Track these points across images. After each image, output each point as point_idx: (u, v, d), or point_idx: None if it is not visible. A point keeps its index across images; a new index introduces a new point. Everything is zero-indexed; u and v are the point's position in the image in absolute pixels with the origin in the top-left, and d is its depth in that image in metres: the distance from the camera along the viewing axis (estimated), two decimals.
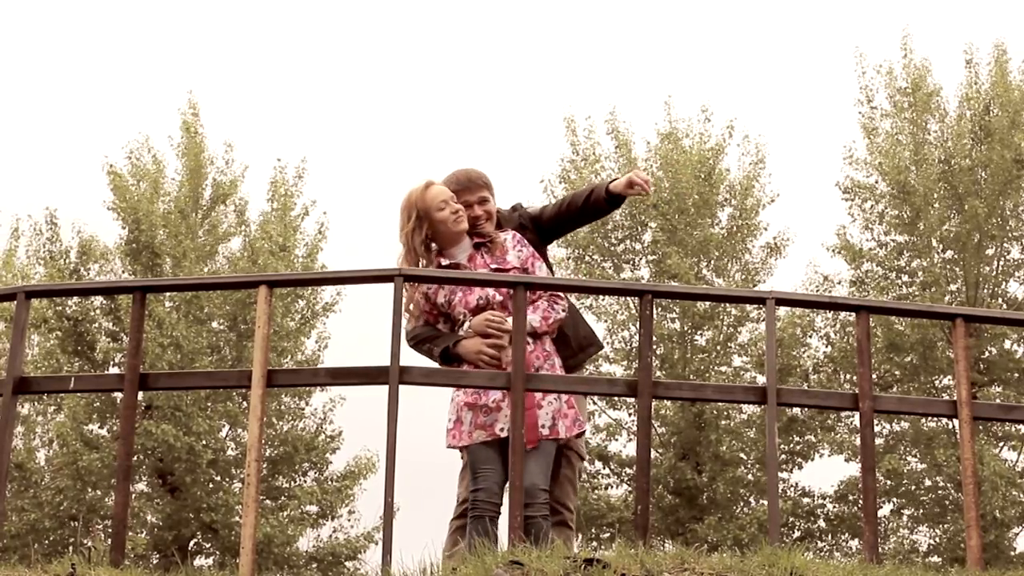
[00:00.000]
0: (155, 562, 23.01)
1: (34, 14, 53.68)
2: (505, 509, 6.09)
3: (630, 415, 24.84)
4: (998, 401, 22.68)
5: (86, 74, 55.34)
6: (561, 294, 6.30)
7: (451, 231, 6.26)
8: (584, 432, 6.34)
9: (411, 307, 6.27)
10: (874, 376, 20.87)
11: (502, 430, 6.01)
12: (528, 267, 6.29)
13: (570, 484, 6.43)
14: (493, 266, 6.25)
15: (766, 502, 21.39)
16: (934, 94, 25.61)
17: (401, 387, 5.97)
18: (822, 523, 25.28)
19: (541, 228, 6.59)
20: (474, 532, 5.88)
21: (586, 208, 6.49)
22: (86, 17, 56.27)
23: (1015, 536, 24.17)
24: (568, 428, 6.14)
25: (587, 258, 25.58)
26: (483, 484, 6.01)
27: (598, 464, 25.32)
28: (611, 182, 6.41)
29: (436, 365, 6.31)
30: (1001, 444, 24.66)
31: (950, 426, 24.11)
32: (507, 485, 6.04)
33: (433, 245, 6.30)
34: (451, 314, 6.27)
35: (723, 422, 24.78)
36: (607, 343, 25.15)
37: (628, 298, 23.84)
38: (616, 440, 25.31)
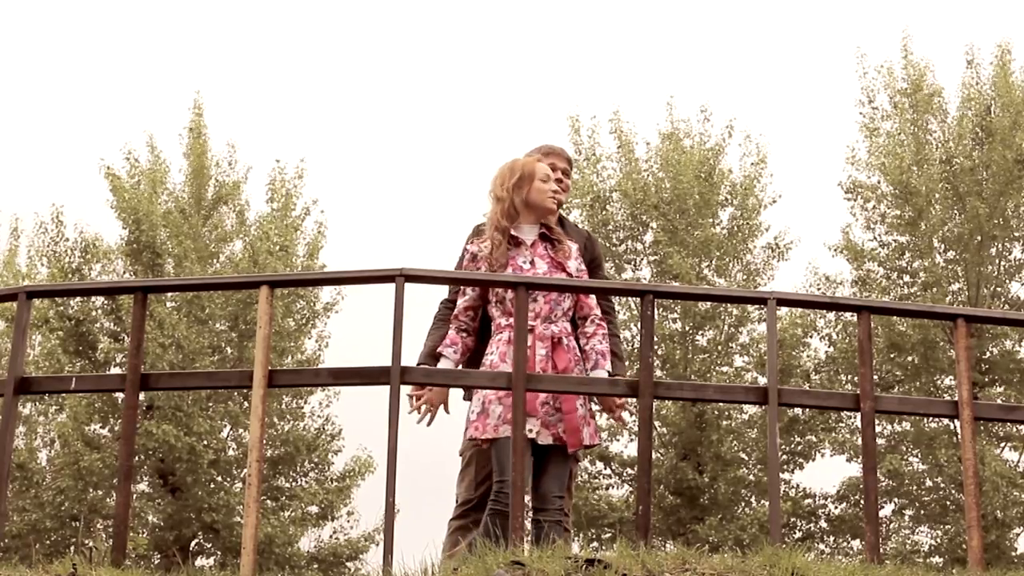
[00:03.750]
0: (156, 562, 23.03)
1: (39, 14, 53.71)
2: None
3: (631, 415, 24.81)
4: (999, 401, 22.67)
5: (90, 74, 55.39)
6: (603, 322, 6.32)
7: (540, 205, 6.29)
8: (597, 444, 6.35)
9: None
10: (875, 376, 20.93)
11: (530, 431, 5.96)
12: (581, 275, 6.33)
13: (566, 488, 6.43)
14: (550, 259, 6.24)
15: (767, 502, 21.38)
16: (935, 94, 25.62)
17: (402, 387, 5.98)
18: (823, 523, 25.27)
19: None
20: (493, 526, 5.82)
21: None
22: (91, 17, 56.29)
23: (1016, 536, 24.16)
24: (591, 436, 6.14)
25: None
26: (509, 476, 5.92)
27: (599, 464, 25.32)
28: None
29: (437, 366, 6.31)
30: (1002, 444, 24.66)
31: (951, 426, 24.11)
32: (526, 486, 6.06)
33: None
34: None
35: (724, 422, 24.78)
36: None
37: (629, 298, 23.84)
38: (617, 440, 25.31)
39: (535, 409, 6.00)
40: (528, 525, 6.06)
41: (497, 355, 6.11)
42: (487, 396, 6.08)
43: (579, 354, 6.18)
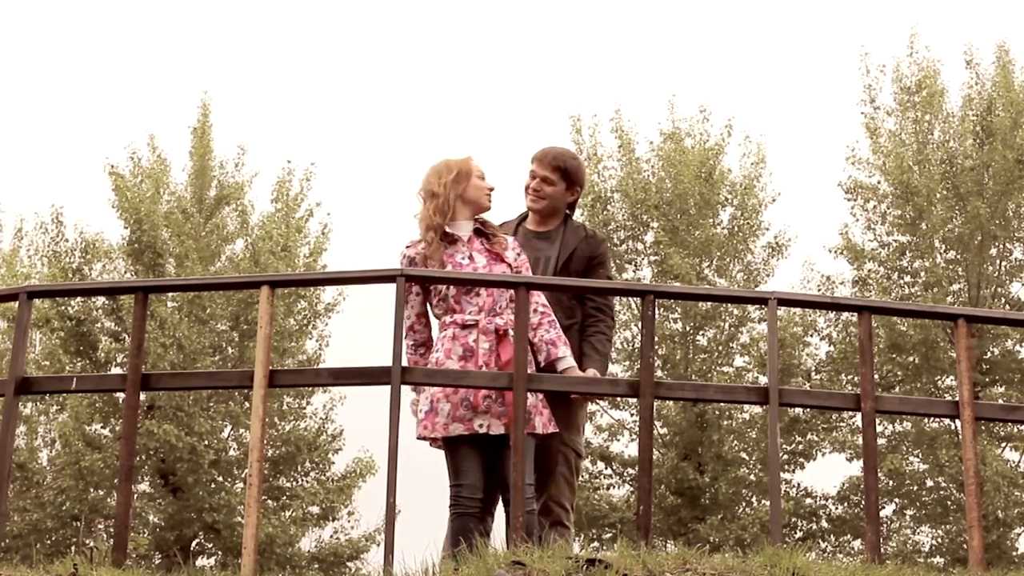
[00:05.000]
0: (157, 562, 23.03)
1: (43, 12, 53.73)
2: (501, 507, 6.09)
3: (632, 415, 24.83)
4: (1000, 401, 22.66)
5: (94, 73, 55.41)
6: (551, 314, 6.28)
7: (476, 201, 6.27)
8: (557, 432, 6.23)
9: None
10: (876, 376, 20.90)
11: (480, 426, 5.98)
12: (520, 271, 6.28)
13: (566, 483, 6.41)
14: (487, 252, 6.22)
15: (768, 502, 21.38)
16: (938, 94, 25.60)
17: (403, 387, 5.98)
18: (824, 523, 25.26)
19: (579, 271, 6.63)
20: (457, 532, 5.86)
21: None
22: (95, 17, 56.32)
23: (1017, 536, 24.16)
24: (544, 425, 6.12)
25: None
26: (465, 480, 5.98)
27: (600, 464, 25.31)
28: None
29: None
30: (1003, 444, 24.65)
31: (952, 426, 24.10)
32: (486, 484, 6.05)
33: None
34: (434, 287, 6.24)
35: (725, 422, 24.77)
36: None
37: (630, 298, 23.84)
38: (618, 440, 25.32)
39: (478, 403, 6.00)
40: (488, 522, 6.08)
41: (442, 352, 6.10)
42: (435, 394, 6.07)
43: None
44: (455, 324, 6.12)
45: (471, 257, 6.20)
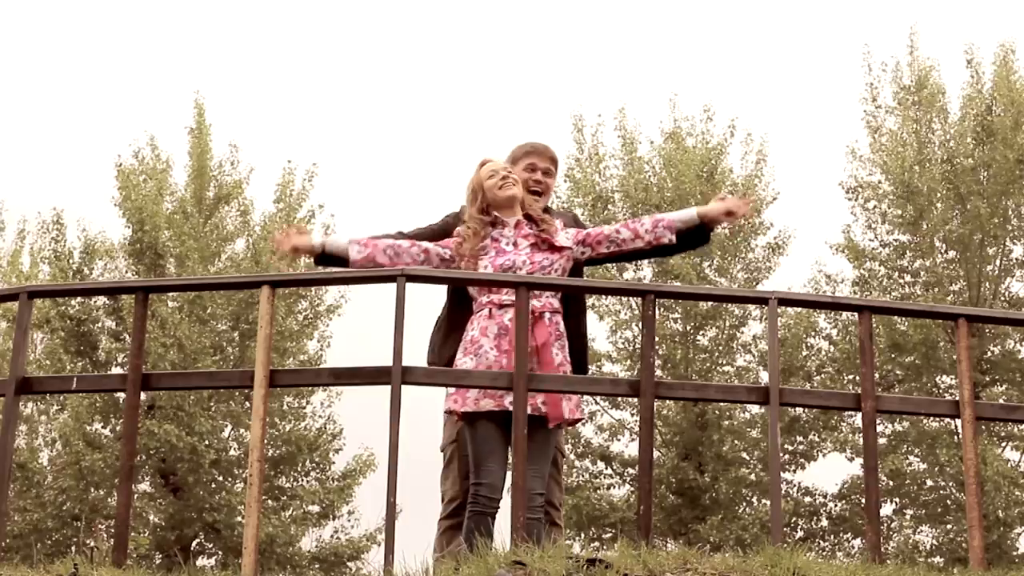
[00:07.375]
0: (158, 562, 23.01)
1: (41, 11, 53.73)
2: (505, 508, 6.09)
3: (632, 415, 24.82)
4: (1001, 401, 22.67)
5: (94, 72, 55.40)
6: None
7: (496, 199, 6.35)
8: (581, 419, 6.28)
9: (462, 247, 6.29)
10: (876, 376, 20.89)
11: (511, 403, 5.93)
12: (583, 239, 6.34)
13: (555, 482, 6.40)
14: (535, 238, 6.29)
15: (769, 502, 21.38)
16: (938, 93, 25.60)
17: (403, 387, 5.97)
18: (825, 523, 25.26)
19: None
20: (476, 530, 5.83)
21: (660, 245, 6.39)
22: (95, 16, 56.31)
23: (1018, 536, 24.15)
24: (571, 411, 6.12)
25: None
26: (486, 479, 5.94)
27: (600, 464, 25.30)
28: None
29: (438, 366, 6.32)
30: (1004, 444, 24.65)
31: (952, 426, 24.09)
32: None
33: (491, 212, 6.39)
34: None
35: (726, 422, 24.76)
36: (610, 343, 25.19)
37: (631, 298, 23.84)
38: (618, 440, 25.30)
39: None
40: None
41: (478, 330, 6.13)
42: (466, 367, 6.09)
43: (560, 330, 6.16)
44: (492, 304, 6.15)
45: (515, 244, 6.28)
